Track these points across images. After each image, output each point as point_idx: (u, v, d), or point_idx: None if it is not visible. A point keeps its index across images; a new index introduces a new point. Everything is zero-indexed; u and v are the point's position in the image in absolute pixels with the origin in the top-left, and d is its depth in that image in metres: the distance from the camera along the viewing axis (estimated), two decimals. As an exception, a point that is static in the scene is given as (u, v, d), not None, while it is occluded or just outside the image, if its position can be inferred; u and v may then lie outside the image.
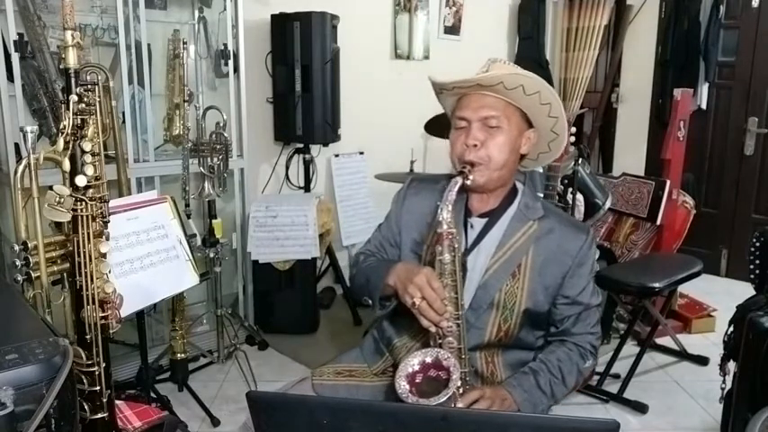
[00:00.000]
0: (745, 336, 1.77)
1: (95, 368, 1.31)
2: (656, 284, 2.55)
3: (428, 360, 1.31)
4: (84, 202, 1.24)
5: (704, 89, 4.15)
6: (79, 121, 1.24)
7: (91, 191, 1.26)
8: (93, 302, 1.28)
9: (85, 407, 1.30)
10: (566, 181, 2.54)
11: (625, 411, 2.51)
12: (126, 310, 1.69)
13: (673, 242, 3.28)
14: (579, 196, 2.71)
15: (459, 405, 1.29)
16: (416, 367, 1.30)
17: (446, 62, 3.97)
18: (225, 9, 2.86)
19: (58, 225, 1.54)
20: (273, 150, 3.43)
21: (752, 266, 2.03)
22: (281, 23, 3.13)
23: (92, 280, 1.27)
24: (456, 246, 1.33)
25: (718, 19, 4.02)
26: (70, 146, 1.24)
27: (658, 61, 4.37)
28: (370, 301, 1.47)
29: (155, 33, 2.85)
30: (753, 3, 3.88)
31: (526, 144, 1.44)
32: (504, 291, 1.42)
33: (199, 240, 2.64)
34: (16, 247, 1.50)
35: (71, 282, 1.33)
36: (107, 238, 1.31)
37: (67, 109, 1.23)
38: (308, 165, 3.40)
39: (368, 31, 3.70)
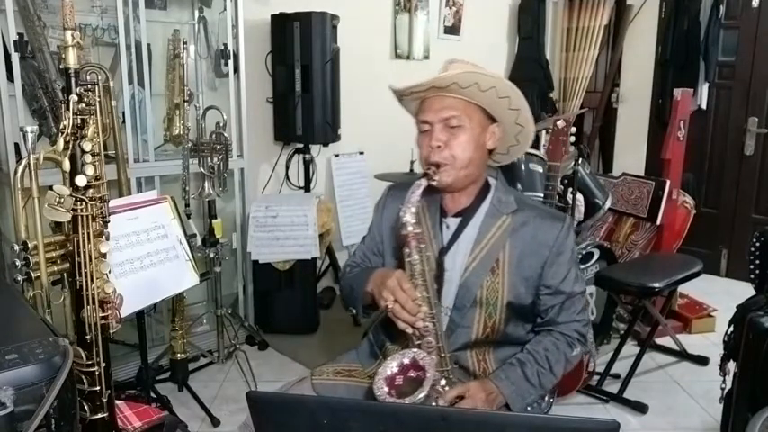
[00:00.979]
0: (745, 336, 1.77)
1: (95, 368, 1.31)
2: (656, 284, 2.55)
3: (406, 361, 1.32)
4: (84, 202, 1.24)
5: (704, 89, 4.14)
6: (79, 121, 1.24)
7: (91, 191, 1.26)
8: (93, 302, 1.28)
9: (85, 407, 1.31)
10: (566, 181, 2.54)
11: (625, 411, 2.51)
12: (126, 310, 1.69)
13: (673, 242, 3.27)
14: (579, 196, 2.71)
15: (442, 402, 1.30)
16: (395, 369, 1.31)
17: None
18: (225, 9, 2.87)
19: (58, 225, 1.54)
20: (273, 150, 3.43)
21: (752, 266, 2.03)
22: (281, 23, 3.13)
23: (92, 280, 1.28)
24: (423, 246, 1.34)
25: (718, 19, 4.02)
26: (70, 146, 1.24)
27: (658, 61, 4.37)
28: (354, 311, 1.52)
29: (155, 33, 2.85)
30: (753, 3, 3.88)
31: (491, 139, 1.45)
32: (485, 287, 1.43)
33: (199, 240, 2.64)
34: (16, 247, 1.50)
35: (71, 282, 1.33)
36: (107, 238, 1.31)
37: (67, 109, 1.23)
38: (308, 165, 3.40)
39: (368, 31, 3.70)
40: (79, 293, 1.28)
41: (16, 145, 2.33)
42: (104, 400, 1.33)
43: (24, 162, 1.55)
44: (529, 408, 1.42)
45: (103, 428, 1.34)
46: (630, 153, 4.60)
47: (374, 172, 3.28)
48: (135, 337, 2.42)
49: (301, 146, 3.36)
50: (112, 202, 1.51)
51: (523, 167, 2.74)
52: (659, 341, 3.03)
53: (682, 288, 3.05)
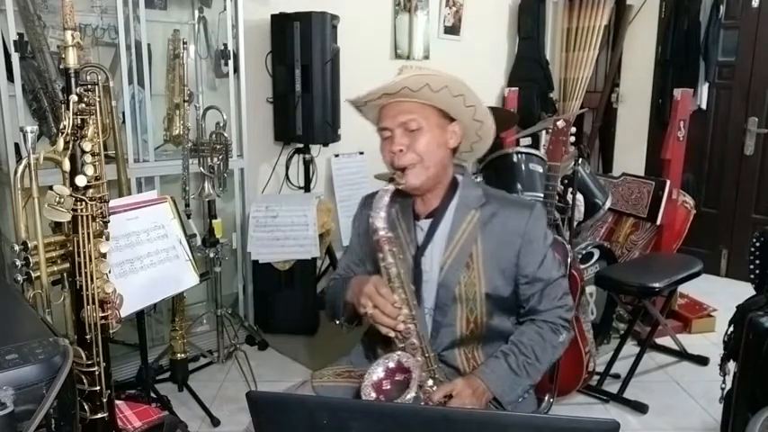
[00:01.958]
0: (745, 336, 1.77)
1: (95, 368, 1.31)
2: (656, 284, 2.55)
3: (391, 365, 1.32)
4: (84, 202, 1.24)
5: (704, 89, 4.14)
6: (79, 121, 1.24)
7: (91, 191, 1.26)
8: (93, 302, 1.29)
9: (85, 407, 1.31)
10: (566, 181, 2.54)
11: (625, 411, 2.51)
12: (126, 310, 1.69)
13: (673, 242, 3.27)
14: (579, 196, 2.71)
15: (431, 403, 1.30)
16: (381, 374, 1.31)
17: (446, 62, 3.97)
18: (225, 9, 2.87)
19: (58, 225, 1.54)
20: (273, 150, 3.43)
21: (752, 266, 2.03)
22: (281, 23, 3.13)
23: (92, 280, 1.28)
24: (395, 249, 1.35)
25: (718, 19, 4.02)
26: (70, 146, 1.24)
27: (658, 61, 4.37)
28: (338, 323, 1.52)
29: (155, 33, 2.85)
30: (753, 3, 3.88)
31: (453, 138, 1.45)
32: (462, 283, 1.44)
33: (199, 240, 2.64)
34: (16, 247, 1.50)
35: (71, 282, 1.33)
36: (107, 238, 1.31)
37: (67, 109, 1.23)
38: (307, 165, 3.40)
39: (368, 31, 3.70)
40: (79, 293, 1.29)
41: (16, 145, 2.33)
42: (104, 400, 1.33)
43: (24, 162, 1.55)
44: (520, 399, 1.42)
45: (103, 428, 1.34)
46: (630, 153, 4.60)
47: (374, 172, 3.27)
48: (135, 337, 2.42)
49: (301, 146, 3.35)
50: (112, 202, 1.52)
51: (523, 167, 2.74)
52: (659, 341, 3.03)
53: (682, 288, 3.05)
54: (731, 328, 1.95)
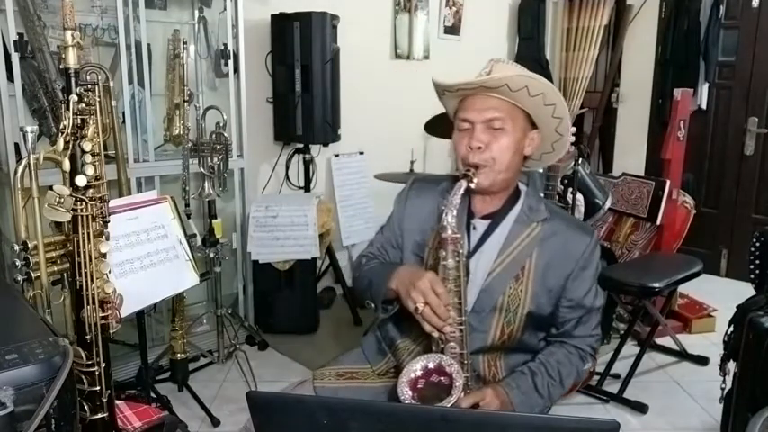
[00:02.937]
0: (745, 336, 1.77)
1: (95, 368, 1.31)
2: (656, 284, 2.55)
3: (431, 365, 1.30)
4: (84, 202, 1.24)
5: (704, 89, 4.15)
6: (79, 121, 1.24)
7: (91, 191, 1.26)
8: (93, 302, 1.28)
9: (85, 407, 1.31)
10: (566, 181, 2.54)
11: (625, 411, 2.51)
12: (126, 310, 1.69)
13: (673, 242, 3.27)
14: (579, 196, 2.71)
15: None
16: (419, 372, 1.29)
17: (446, 62, 3.97)
18: (225, 9, 2.86)
19: (58, 225, 1.54)
20: (273, 150, 3.43)
21: (752, 266, 2.03)
22: (281, 23, 3.13)
23: (92, 280, 1.28)
24: (461, 251, 1.32)
25: (718, 19, 4.02)
26: (70, 146, 1.24)
27: (658, 61, 4.37)
28: (373, 305, 1.46)
29: (155, 33, 2.85)
30: (753, 3, 3.88)
31: (530, 145, 1.43)
32: (507, 294, 1.41)
33: (199, 240, 2.64)
34: (16, 247, 1.50)
35: (71, 282, 1.33)
36: (107, 238, 1.31)
37: (67, 109, 1.23)
38: (308, 165, 3.40)
39: (368, 31, 3.69)
40: (79, 293, 1.28)
41: (16, 145, 2.33)
42: (104, 400, 1.33)
43: (24, 162, 1.55)
44: None
45: (103, 428, 1.34)
46: (630, 153, 4.60)
47: (374, 172, 3.28)
48: (135, 337, 2.42)
49: (301, 146, 3.35)
50: (112, 202, 1.51)
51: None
52: (659, 341, 3.03)
53: (682, 288, 3.05)
54: (731, 328, 1.95)
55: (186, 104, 2.69)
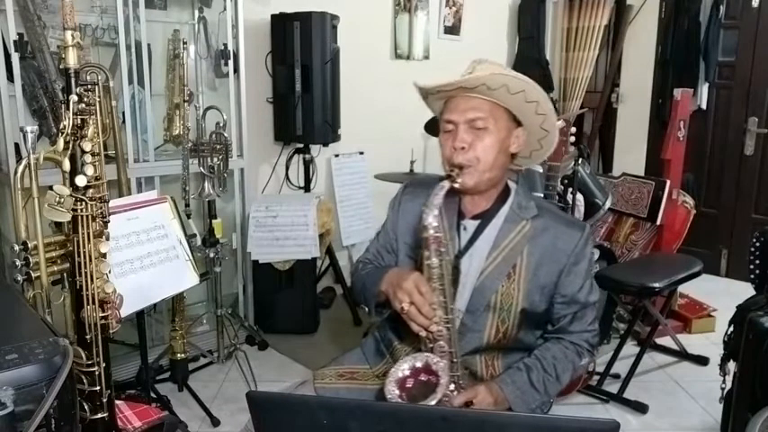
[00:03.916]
0: (745, 336, 1.77)
1: (95, 368, 1.31)
2: (656, 284, 2.55)
3: (418, 365, 1.31)
4: (84, 202, 1.24)
5: (704, 89, 4.14)
6: (79, 121, 1.24)
7: (91, 191, 1.26)
8: (93, 302, 1.29)
9: (85, 407, 1.31)
10: (566, 181, 2.54)
11: (625, 411, 2.51)
12: (126, 310, 1.69)
13: (673, 242, 3.27)
14: (579, 196, 2.71)
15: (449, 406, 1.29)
16: (407, 372, 1.30)
17: (446, 62, 3.97)
18: (225, 9, 2.86)
19: (58, 225, 1.54)
20: (273, 150, 3.43)
21: (752, 266, 2.03)
22: (281, 23, 3.13)
23: (92, 280, 1.28)
24: (443, 249, 1.33)
25: (718, 19, 4.02)
26: (70, 146, 1.24)
27: (658, 61, 4.37)
28: (366, 308, 1.49)
29: (155, 33, 2.85)
30: (753, 3, 3.87)
31: (515, 143, 1.43)
32: (500, 292, 1.42)
33: (199, 240, 2.64)
34: (16, 247, 1.50)
35: (71, 282, 1.33)
36: (107, 238, 1.31)
37: (67, 109, 1.23)
38: (308, 165, 3.40)
39: (368, 31, 3.70)
40: (79, 293, 1.28)
41: (16, 145, 2.33)
42: (104, 400, 1.33)
43: (24, 162, 1.55)
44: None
45: (103, 428, 1.34)
46: (630, 153, 4.60)
47: (374, 172, 3.28)
48: (135, 337, 2.42)
49: (301, 146, 3.36)
50: (112, 202, 1.51)
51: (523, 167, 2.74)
52: (659, 341, 3.03)
53: (682, 288, 3.05)
54: (731, 328, 1.95)
55: (186, 104, 2.69)
